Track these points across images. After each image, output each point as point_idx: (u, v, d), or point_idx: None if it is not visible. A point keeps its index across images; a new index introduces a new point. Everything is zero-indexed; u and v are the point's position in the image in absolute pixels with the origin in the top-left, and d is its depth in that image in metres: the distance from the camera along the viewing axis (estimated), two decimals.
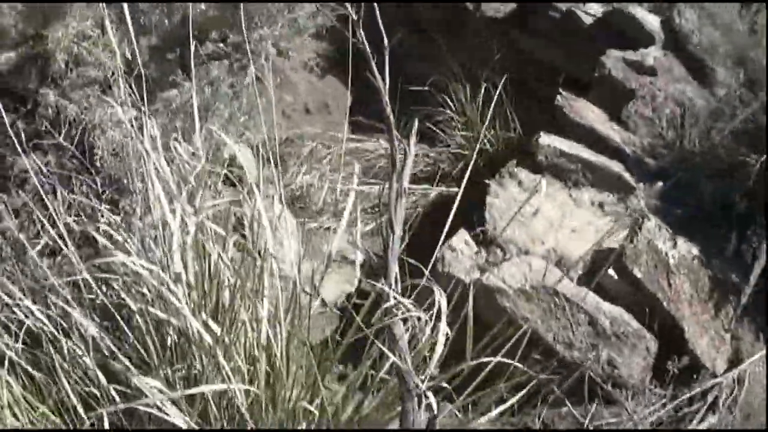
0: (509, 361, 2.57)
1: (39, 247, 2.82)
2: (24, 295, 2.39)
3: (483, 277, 3.52)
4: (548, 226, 3.85)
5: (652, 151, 4.19)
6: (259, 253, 2.42)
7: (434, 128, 5.02)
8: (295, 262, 2.55)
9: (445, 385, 2.41)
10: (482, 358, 2.46)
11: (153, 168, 2.40)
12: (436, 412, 2.09)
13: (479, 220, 3.86)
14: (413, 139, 2.62)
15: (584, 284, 3.64)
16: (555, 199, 3.97)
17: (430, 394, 2.10)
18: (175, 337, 2.31)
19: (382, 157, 5.02)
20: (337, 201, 4.73)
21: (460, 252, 3.66)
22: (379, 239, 4.73)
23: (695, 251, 3.73)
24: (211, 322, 2.17)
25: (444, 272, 3.61)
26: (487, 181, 3.95)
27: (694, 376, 3.54)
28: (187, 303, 2.16)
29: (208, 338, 2.12)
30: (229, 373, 2.11)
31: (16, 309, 2.39)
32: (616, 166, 4.05)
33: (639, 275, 3.58)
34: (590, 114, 4.31)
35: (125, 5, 2.75)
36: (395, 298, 2.28)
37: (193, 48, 3.56)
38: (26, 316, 2.36)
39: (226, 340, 2.17)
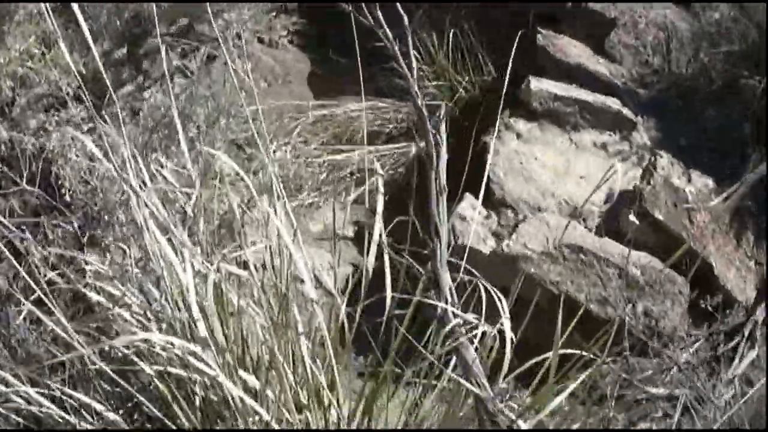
0: (579, 352, 2.40)
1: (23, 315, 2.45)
2: (20, 380, 2.08)
3: (503, 245, 3.35)
4: (555, 176, 3.68)
5: (642, 80, 4.04)
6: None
7: (404, 82, 4.77)
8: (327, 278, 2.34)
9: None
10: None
11: (137, 199, 2.13)
12: None
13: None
14: (443, 130, 2.39)
15: (604, 234, 3.50)
16: (556, 146, 3.79)
17: (521, 423, 1.93)
18: (203, 394, 2.06)
19: (353, 120, 4.78)
20: (313, 174, 4.50)
21: (470, 220, 3.47)
22: (363, 207, 4.56)
23: (711, 183, 3.61)
24: (251, 380, 1.94)
25: (458, 244, 3.42)
26: (485, 139, 3.74)
27: (728, 311, 3.45)
28: (220, 368, 1.90)
29: (251, 402, 1.88)
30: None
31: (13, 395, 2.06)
32: (613, 103, 3.87)
33: (660, 217, 3.46)
34: (573, 50, 4.12)
35: (77, 11, 2.43)
36: (455, 314, 2.08)
37: (164, 52, 3.27)
38: (28, 403, 2.05)
39: (270, 395, 1.94)
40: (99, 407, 1.89)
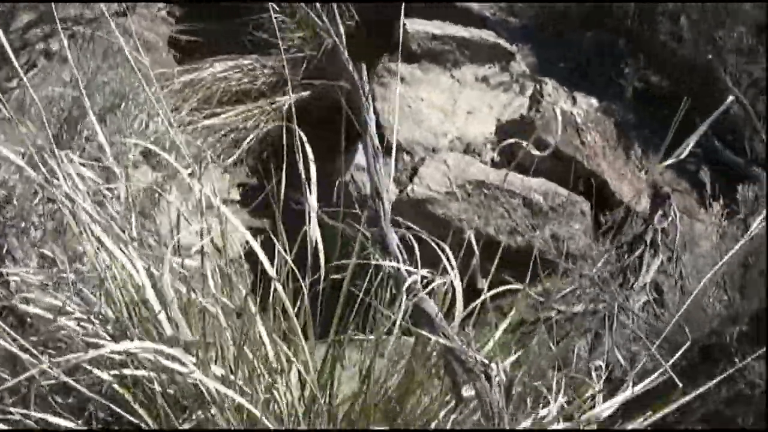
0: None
1: None
2: None
3: (407, 190, 3.33)
4: (443, 116, 3.69)
5: (511, 9, 4.07)
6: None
7: (268, 36, 4.67)
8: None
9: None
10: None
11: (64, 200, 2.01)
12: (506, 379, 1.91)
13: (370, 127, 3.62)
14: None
15: (501, 166, 3.54)
16: (440, 85, 3.79)
17: (495, 365, 1.92)
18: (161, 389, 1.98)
19: (220, 81, 4.65)
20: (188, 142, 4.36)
21: (371, 168, 3.43)
22: (242, 169, 4.46)
23: (595, 102, 3.69)
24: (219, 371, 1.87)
25: (361, 195, 3.40)
26: (371, 86, 3.70)
27: (627, 223, 3.55)
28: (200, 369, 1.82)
29: (226, 391, 1.82)
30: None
31: None
32: (488, 36, 3.89)
33: (553, 141, 3.51)
34: None
35: None
36: (409, 271, 2.05)
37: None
38: None
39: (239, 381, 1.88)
40: (57, 420, 1.78)
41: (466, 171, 3.37)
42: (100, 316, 1.94)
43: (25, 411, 1.72)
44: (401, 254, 2.06)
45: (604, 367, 2.73)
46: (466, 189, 3.32)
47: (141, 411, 1.84)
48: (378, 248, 2.09)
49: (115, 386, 1.81)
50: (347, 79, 2.24)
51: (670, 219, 3.61)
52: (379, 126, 3.62)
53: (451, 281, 2.09)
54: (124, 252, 1.85)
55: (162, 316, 1.78)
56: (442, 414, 2.08)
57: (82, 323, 1.86)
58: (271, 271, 1.90)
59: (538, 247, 3.31)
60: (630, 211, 3.55)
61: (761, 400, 2.97)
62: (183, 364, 1.69)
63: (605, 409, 2.15)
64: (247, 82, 4.72)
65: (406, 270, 2.00)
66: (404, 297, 1.95)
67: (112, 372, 1.79)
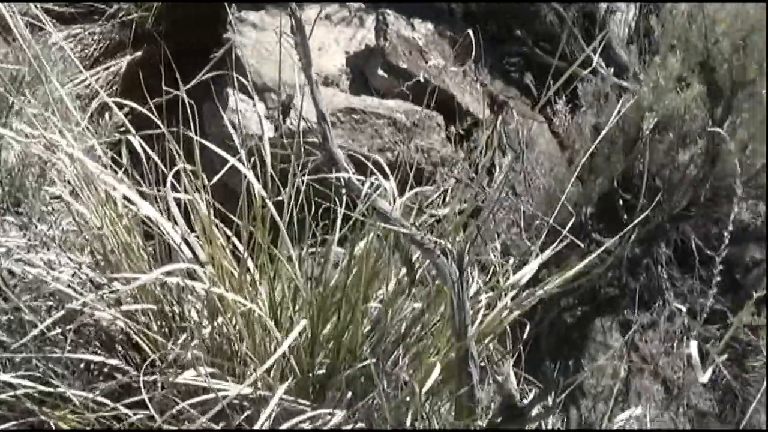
0: None
1: None
2: None
3: (287, 125, 3.61)
4: (298, 56, 3.96)
5: None
6: None
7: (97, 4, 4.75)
8: None
9: None
10: None
11: None
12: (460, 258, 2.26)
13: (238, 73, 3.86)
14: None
15: (357, 92, 3.88)
16: (288, 27, 4.04)
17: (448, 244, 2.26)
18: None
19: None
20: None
21: (244, 111, 3.69)
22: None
23: (431, 27, 4.08)
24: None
25: (243, 136, 3.63)
26: (227, 36, 3.93)
27: (475, 129, 4.00)
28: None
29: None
30: None
31: None
32: None
33: (404, 65, 3.88)
34: None
35: None
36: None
37: None
38: None
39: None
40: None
41: (333, 101, 3.69)
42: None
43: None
44: (349, 167, 2.37)
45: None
46: (337, 117, 3.65)
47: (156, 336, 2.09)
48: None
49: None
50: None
51: (510, 125, 4.10)
52: (242, 70, 3.87)
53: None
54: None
55: (178, 240, 2.01)
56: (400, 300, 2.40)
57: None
58: (259, 187, 2.16)
59: (407, 159, 3.70)
60: (476, 120, 3.99)
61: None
62: (202, 281, 1.95)
63: (524, 274, 2.53)
64: (80, 51, 4.78)
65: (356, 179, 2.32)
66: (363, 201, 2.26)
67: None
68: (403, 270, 2.40)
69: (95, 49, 4.81)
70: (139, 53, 4.72)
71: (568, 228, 2.55)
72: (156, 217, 2.01)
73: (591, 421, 3.48)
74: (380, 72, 3.87)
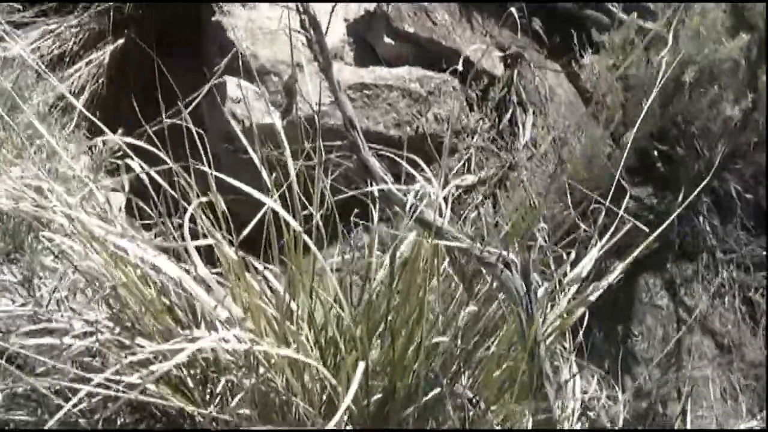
0: None
1: None
2: None
3: (297, 112, 3.38)
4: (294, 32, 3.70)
5: None
6: None
7: None
8: None
9: None
10: None
11: None
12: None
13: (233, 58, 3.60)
14: None
15: (363, 63, 3.63)
16: (276, 3, 3.78)
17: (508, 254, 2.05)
18: None
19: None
20: None
21: (247, 99, 3.44)
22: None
23: None
24: None
25: (246, 127, 3.40)
26: (216, 19, 3.66)
27: (491, 88, 3.76)
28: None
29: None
30: None
31: None
32: None
33: (410, 29, 3.63)
34: None
35: None
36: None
37: None
38: None
39: None
40: None
41: (341, 77, 3.43)
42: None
43: None
44: (387, 176, 2.15)
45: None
46: (347, 94, 3.40)
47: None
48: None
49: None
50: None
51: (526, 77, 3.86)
52: (240, 54, 3.61)
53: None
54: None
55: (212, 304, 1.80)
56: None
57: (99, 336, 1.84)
58: (295, 223, 1.95)
59: (426, 132, 3.47)
60: (492, 77, 3.75)
61: None
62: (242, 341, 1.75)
63: (584, 266, 2.34)
64: (58, 47, 4.49)
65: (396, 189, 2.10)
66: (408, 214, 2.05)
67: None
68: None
69: (74, 43, 4.51)
70: (120, 41, 4.43)
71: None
72: (182, 277, 1.79)
73: (647, 389, 3.32)
74: (386, 39, 3.62)
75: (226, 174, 1.96)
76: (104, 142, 2.71)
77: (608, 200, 2.35)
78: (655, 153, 3.42)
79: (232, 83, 3.45)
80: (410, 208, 2.06)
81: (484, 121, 3.64)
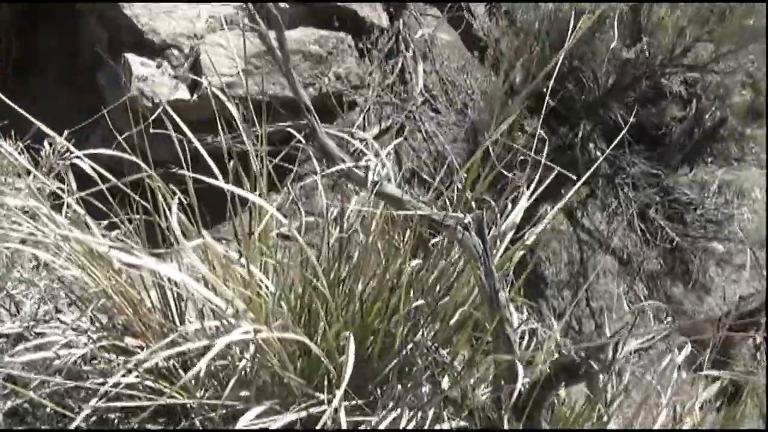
0: None
1: None
2: None
3: (204, 84, 3.41)
4: (187, 4, 3.72)
5: None
6: None
7: None
8: None
9: None
10: None
11: None
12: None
13: (129, 34, 3.60)
14: None
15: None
16: None
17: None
18: None
19: None
20: None
21: (151, 76, 3.46)
22: None
23: None
24: None
25: (157, 104, 3.43)
26: None
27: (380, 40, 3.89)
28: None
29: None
30: None
31: None
32: None
33: None
34: None
35: None
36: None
37: None
38: None
39: None
40: None
41: (241, 45, 3.49)
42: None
43: None
44: (344, 156, 2.27)
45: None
46: (251, 62, 3.47)
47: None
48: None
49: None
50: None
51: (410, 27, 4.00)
52: (139, 30, 3.60)
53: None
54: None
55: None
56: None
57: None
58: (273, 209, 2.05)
59: (332, 91, 3.59)
60: (381, 30, 3.88)
61: None
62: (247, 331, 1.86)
63: (517, 214, 2.52)
64: None
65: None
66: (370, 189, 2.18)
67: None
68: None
69: None
70: None
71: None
72: (180, 278, 1.87)
73: (560, 309, 3.59)
74: (284, 4, 3.68)
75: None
76: None
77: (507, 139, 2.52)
78: (547, 92, 3.63)
79: (135, 61, 3.46)
80: (370, 183, 2.20)
81: (378, 74, 3.77)
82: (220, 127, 2.10)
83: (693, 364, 2.97)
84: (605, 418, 2.51)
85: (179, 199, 1.96)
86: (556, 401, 2.55)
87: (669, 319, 3.80)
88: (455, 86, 3.78)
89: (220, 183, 2.08)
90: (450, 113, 3.64)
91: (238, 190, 2.04)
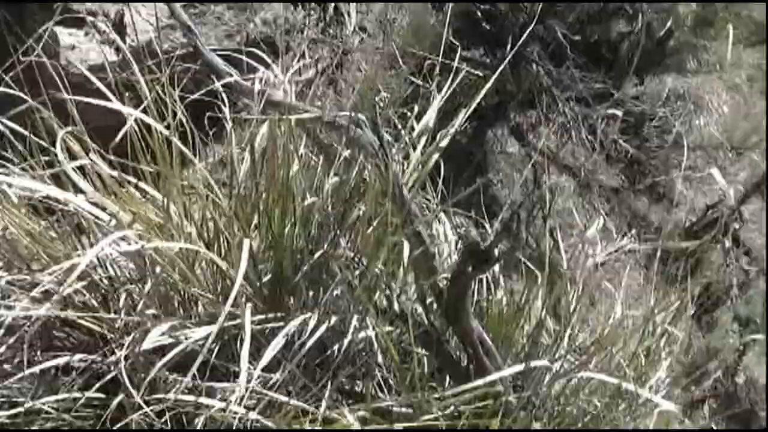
0: None
1: None
2: None
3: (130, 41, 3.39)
4: None
5: None
6: None
7: None
8: None
9: None
10: None
11: None
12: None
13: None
14: None
15: None
16: None
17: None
18: None
19: None
20: None
21: (79, 44, 3.45)
22: None
23: None
24: None
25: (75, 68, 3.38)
26: None
27: None
28: None
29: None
30: None
31: None
32: None
33: None
34: None
35: None
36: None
37: None
38: None
39: None
40: None
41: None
42: None
43: None
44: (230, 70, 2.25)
45: None
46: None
47: None
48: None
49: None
50: None
51: None
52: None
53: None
54: None
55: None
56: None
57: None
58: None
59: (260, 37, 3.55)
60: None
61: None
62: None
63: (429, 119, 2.49)
64: None
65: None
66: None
67: None
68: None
69: None
70: None
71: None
72: (65, 197, 1.86)
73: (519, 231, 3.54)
74: None
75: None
76: None
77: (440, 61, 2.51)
78: (479, 14, 3.59)
79: (62, 33, 3.45)
80: (258, 93, 2.18)
81: (311, 15, 3.73)
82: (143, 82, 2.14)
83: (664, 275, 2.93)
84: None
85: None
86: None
87: (633, 232, 3.76)
88: (392, 24, 3.75)
89: (117, 105, 2.09)
90: (386, 47, 3.60)
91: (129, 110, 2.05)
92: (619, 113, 3.74)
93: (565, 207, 3.61)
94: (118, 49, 3.42)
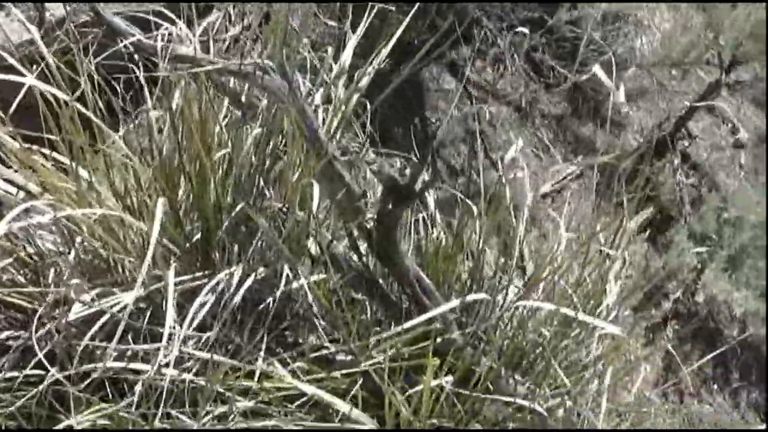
0: None
1: None
2: None
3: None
4: None
5: None
6: None
7: None
8: None
9: None
10: None
11: None
12: None
13: None
14: None
15: None
16: None
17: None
18: None
19: None
20: None
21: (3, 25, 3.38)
22: None
23: None
24: None
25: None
26: None
27: None
28: None
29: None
30: None
31: None
32: None
33: None
34: None
35: None
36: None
37: None
38: None
39: None
40: None
41: None
42: None
43: None
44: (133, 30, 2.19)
45: None
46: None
47: None
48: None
49: None
50: None
51: None
52: None
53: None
54: None
55: None
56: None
57: None
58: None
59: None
60: None
61: None
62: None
63: (345, 58, 2.44)
64: None
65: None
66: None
67: None
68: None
69: None
70: None
71: None
72: None
73: (459, 167, 3.52)
74: None
75: None
76: None
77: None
78: None
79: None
80: (161, 49, 2.12)
81: None
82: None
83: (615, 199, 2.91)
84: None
85: None
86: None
87: (579, 158, 3.74)
88: None
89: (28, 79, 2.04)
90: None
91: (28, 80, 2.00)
92: (553, 39, 3.69)
93: (507, 140, 3.58)
94: (40, 27, 3.35)
